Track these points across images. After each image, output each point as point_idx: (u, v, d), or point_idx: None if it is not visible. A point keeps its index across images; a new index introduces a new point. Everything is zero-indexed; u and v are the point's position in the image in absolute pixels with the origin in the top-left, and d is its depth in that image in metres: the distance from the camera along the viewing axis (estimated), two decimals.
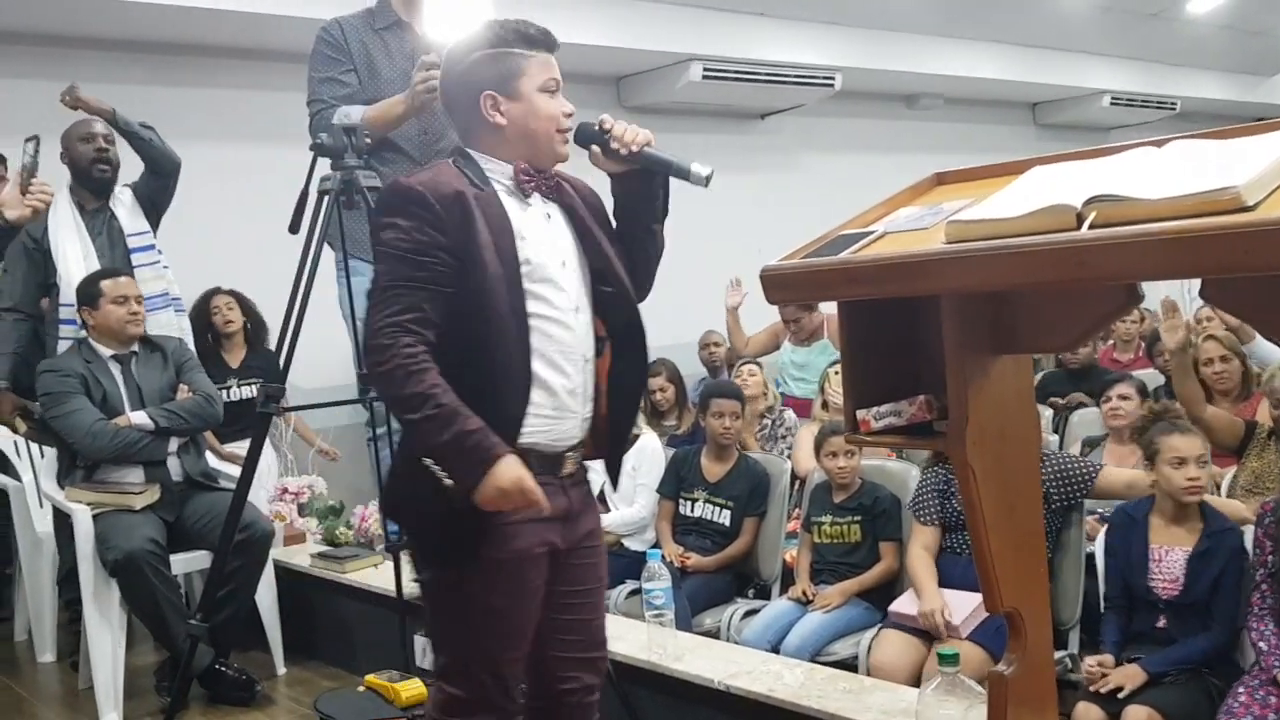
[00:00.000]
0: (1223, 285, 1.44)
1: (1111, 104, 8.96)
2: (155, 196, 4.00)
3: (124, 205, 3.93)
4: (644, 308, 2.07)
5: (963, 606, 3.14)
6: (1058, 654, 2.96)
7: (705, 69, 6.43)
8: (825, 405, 4.52)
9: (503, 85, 1.92)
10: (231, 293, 4.74)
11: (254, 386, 4.60)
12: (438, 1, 3.09)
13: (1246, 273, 1.31)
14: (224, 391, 4.47)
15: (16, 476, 4.04)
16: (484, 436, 1.76)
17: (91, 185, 3.87)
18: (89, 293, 3.60)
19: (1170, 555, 2.90)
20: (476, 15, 2.99)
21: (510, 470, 1.76)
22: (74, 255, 3.76)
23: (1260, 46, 9.55)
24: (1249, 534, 2.99)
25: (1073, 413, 4.66)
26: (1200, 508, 2.94)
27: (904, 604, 3.26)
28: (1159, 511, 2.97)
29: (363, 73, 3.27)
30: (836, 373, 4.47)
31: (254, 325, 4.76)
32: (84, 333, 3.65)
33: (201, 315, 4.67)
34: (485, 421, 1.78)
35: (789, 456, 4.41)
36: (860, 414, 1.77)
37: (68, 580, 3.74)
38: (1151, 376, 4.84)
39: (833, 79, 7.05)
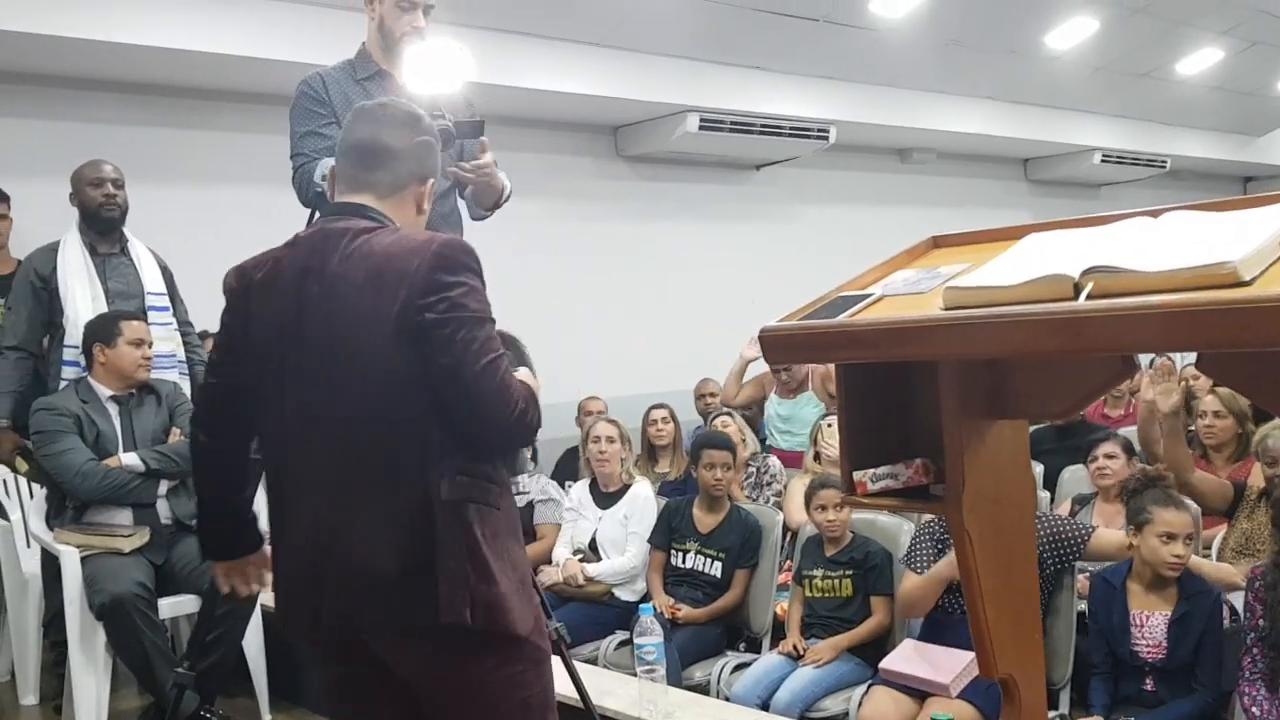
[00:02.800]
0: (1218, 358, 1.46)
1: (1102, 161, 9.07)
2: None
3: (146, 266, 3.96)
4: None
5: (954, 665, 3.13)
6: (1049, 715, 2.95)
7: (702, 120, 6.50)
8: (817, 457, 4.53)
9: (435, 184, 2.06)
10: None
11: None
12: (417, 55, 3.08)
13: (1242, 348, 1.32)
14: None
15: (5, 516, 4.01)
16: None
17: (100, 227, 3.90)
18: (107, 330, 3.62)
19: (1151, 620, 2.92)
20: (456, 68, 3.01)
21: None
22: (83, 297, 3.77)
23: (1249, 107, 9.69)
24: (1237, 598, 3.01)
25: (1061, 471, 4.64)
26: None
27: (895, 660, 3.25)
28: (1136, 577, 2.99)
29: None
30: (829, 424, 4.48)
31: None
32: (85, 373, 3.66)
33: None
34: None
35: (776, 505, 4.42)
36: (857, 476, 1.77)
37: (53, 623, 3.71)
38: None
39: (827, 132, 7.13)
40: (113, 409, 3.64)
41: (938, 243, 2.01)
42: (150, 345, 3.68)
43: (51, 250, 3.88)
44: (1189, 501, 3.12)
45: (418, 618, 1.74)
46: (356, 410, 1.78)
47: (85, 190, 3.87)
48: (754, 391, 5.81)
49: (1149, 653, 2.90)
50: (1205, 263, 1.39)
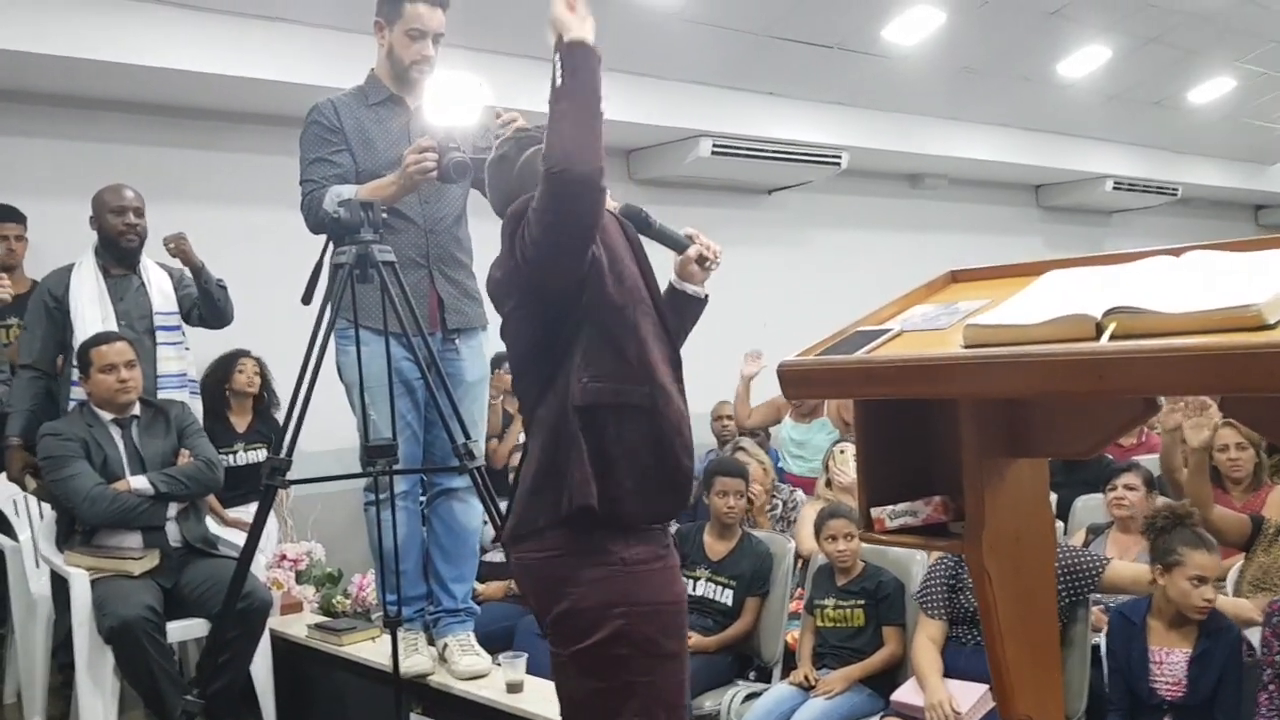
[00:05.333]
0: (1242, 401, 1.45)
1: (1114, 188, 9.04)
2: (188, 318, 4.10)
3: (158, 286, 3.97)
4: None
5: (968, 697, 3.11)
6: None
7: (715, 145, 6.51)
8: (829, 484, 4.50)
9: None
10: (256, 358, 4.76)
11: (259, 451, 4.59)
12: (437, 85, 3.08)
13: (1267, 393, 1.31)
14: (229, 456, 4.46)
15: (14, 536, 4.01)
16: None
17: (117, 254, 3.92)
18: (82, 360, 3.63)
19: (1171, 657, 2.89)
20: (477, 100, 3.02)
21: None
22: (92, 319, 3.79)
23: (1260, 136, 9.68)
24: (1254, 633, 2.98)
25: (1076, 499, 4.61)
26: None
27: (907, 693, 3.24)
28: (1157, 614, 2.96)
29: (358, 150, 3.25)
30: (842, 451, 4.46)
31: (267, 393, 4.77)
32: (81, 400, 3.67)
33: (221, 372, 4.68)
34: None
35: (793, 535, 4.39)
36: (875, 512, 1.76)
37: (61, 645, 3.70)
38: (1153, 462, 4.82)
39: (839, 158, 7.13)
40: (115, 432, 3.65)
41: (956, 277, 2.00)
42: (131, 366, 3.64)
43: (66, 271, 3.91)
44: (1216, 545, 3.08)
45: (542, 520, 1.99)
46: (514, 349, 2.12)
47: (106, 217, 3.89)
48: (768, 414, 5.80)
49: (1168, 690, 2.87)
50: (1229, 305, 1.38)
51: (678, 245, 2.26)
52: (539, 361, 2.04)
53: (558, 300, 1.99)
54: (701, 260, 2.24)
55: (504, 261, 2.04)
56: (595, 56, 1.92)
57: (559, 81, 1.90)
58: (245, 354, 4.71)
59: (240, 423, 4.69)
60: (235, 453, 4.56)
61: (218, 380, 4.68)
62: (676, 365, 2.10)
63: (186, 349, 4.03)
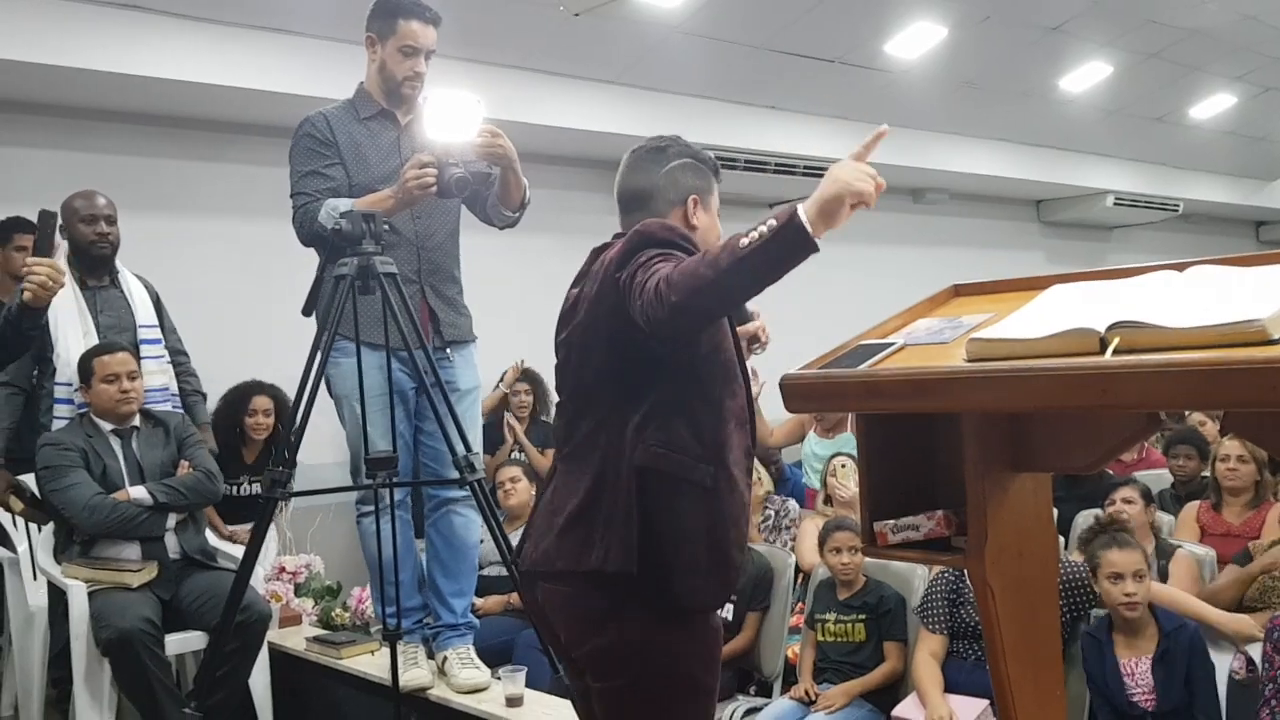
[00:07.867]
0: (1246, 416, 1.44)
1: (1115, 204, 9.03)
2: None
3: (138, 298, 3.88)
4: None
5: (969, 712, 3.10)
6: None
7: (717, 159, 6.49)
8: (828, 500, 4.49)
9: (703, 196, 2.14)
10: (271, 392, 4.62)
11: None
12: (435, 102, 3.09)
13: (1271, 407, 1.31)
14: (234, 487, 4.40)
15: (11, 548, 3.99)
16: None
17: (89, 262, 3.80)
18: (84, 370, 3.58)
19: (1139, 666, 2.94)
20: (471, 119, 3.02)
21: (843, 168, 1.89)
22: (74, 333, 3.68)
23: (1261, 151, 9.69)
24: (1255, 649, 2.98)
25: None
26: (1152, 612, 2.99)
27: (908, 708, 3.22)
28: (1117, 626, 2.99)
29: (351, 164, 3.23)
30: (843, 465, 4.45)
31: (281, 425, 4.55)
32: (81, 410, 3.63)
33: (234, 409, 4.60)
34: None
35: (793, 549, 4.37)
36: (877, 526, 1.76)
37: (58, 658, 3.67)
38: (1153, 478, 4.81)
39: None
40: (115, 442, 3.61)
41: (959, 291, 2.00)
42: (133, 377, 3.59)
43: None
44: (1136, 541, 3.12)
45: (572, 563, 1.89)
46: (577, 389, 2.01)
47: (77, 226, 3.76)
48: (793, 430, 5.70)
49: (1146, 700, 2.89)
50: (1233, 320, 1.38)
51: (742, 316, 2.23)
52: (603, 391, 1.94)
53: (647, 344, 1.87)
54: (753, 340, 2.23)
55: (608, 277, 1.93)
56: (811, 249, 1.84)
57: (762, 236, 1.83)
58: (259, 389, 4.59)
59: (250, 455, 4.63)
60: (240, 484, 4.51)
61: (230, 418, 4.59)
62: (749, 454, 1.99)
63: (168, 362, 3.93)
